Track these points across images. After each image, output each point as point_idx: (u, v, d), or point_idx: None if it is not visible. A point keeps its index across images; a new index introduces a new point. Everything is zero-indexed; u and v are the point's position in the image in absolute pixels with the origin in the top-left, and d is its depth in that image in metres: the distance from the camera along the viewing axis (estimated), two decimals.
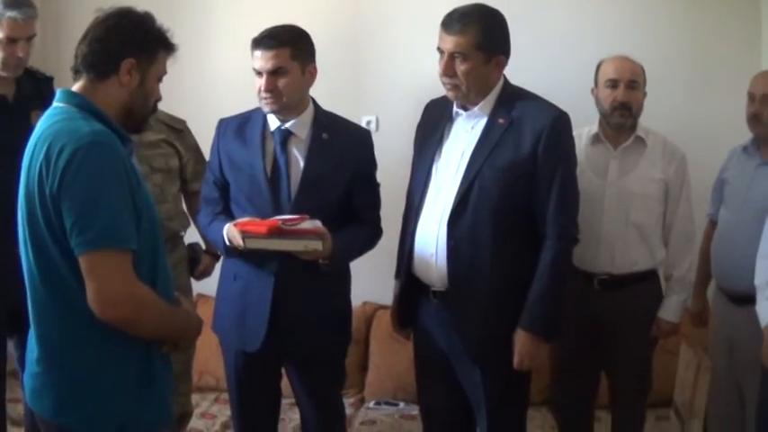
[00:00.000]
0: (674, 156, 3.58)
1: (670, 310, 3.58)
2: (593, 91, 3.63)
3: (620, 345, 3.55)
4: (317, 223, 3.03)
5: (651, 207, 3.55)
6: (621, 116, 3.51)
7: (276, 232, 2.97)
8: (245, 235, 3.00)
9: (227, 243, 3.12)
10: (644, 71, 3.58)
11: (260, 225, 3.00)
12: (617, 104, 3.50)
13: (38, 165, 2.19)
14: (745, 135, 3.59)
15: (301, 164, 3.17)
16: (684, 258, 3.60)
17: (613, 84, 3.52)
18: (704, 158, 3.86)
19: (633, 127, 3.57)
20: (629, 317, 3.52)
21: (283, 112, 3.17)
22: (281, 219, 3.00)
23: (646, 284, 3.59)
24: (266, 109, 3.17)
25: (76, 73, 2.34)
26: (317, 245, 3.01)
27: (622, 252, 3.53)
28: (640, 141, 3.57)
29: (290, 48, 3.10)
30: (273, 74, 3.09)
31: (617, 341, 3.55)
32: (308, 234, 3.00)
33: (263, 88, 3.11)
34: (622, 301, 3.52)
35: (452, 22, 2.96)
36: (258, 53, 3.11)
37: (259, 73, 3.12)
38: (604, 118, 3.57)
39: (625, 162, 3.56)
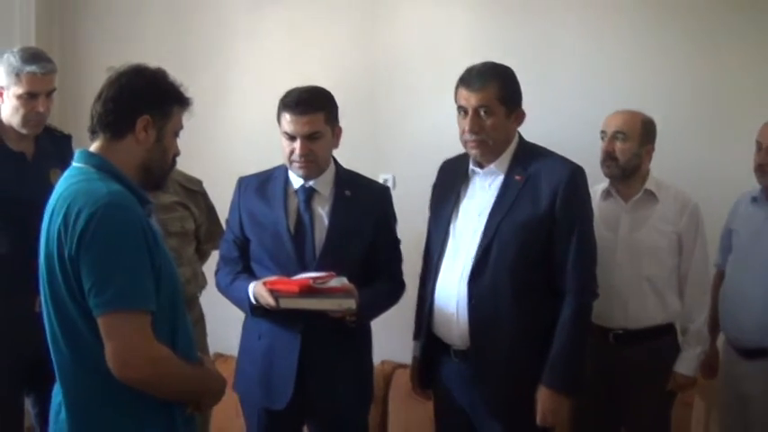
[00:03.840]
0: (686, 207, 3.46)
1: (686, 363, 3.42)
2: None
3: (637, 400, 3.42)
4: (344, 280, 2.94)
5: (663, 260, 3.43)
6: (608, 167, 3.43)
7: (308, 291, 2.87)
8: (278, 295, 2.90)
9: (254, 302, 3.02)
10: (643, 124, 3.44)
11: (290, 284, 2.90)
12: (603, 155, 3.43)
13: (56, 227, 2.13)
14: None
15: (326, 221, 3.09)
16: (701, 311, 3.45)
17: (603, 136, 3.46)
18: (720, 208, 3.68)
19: (633, 177, 3.44)
20: (645, 371, 3.39)
21: (314, 174, 3.09)
22: (309, 277, 2.90)
23: (662, 338, 3.44)
24: (299, 173, 3.08)
25: (93, 133, 2.27)
26: (350, 303, 2.92)
27: (636, 306, 3.40)
28: (650, 194, 3.47)
29: (323, 112, 3.03)
30: (308, 138, 3.01)
31: (634, 396, 3.42)
32: (339, 292, 2.91)
33: (298, 153, 3.02)
34: (639, 356, 3.39)
35: (472, 78, 2.93)
36: (292, 117, 3.01)
37: (291, 137, 3.02)
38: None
39: (636, 216, 3.45)
